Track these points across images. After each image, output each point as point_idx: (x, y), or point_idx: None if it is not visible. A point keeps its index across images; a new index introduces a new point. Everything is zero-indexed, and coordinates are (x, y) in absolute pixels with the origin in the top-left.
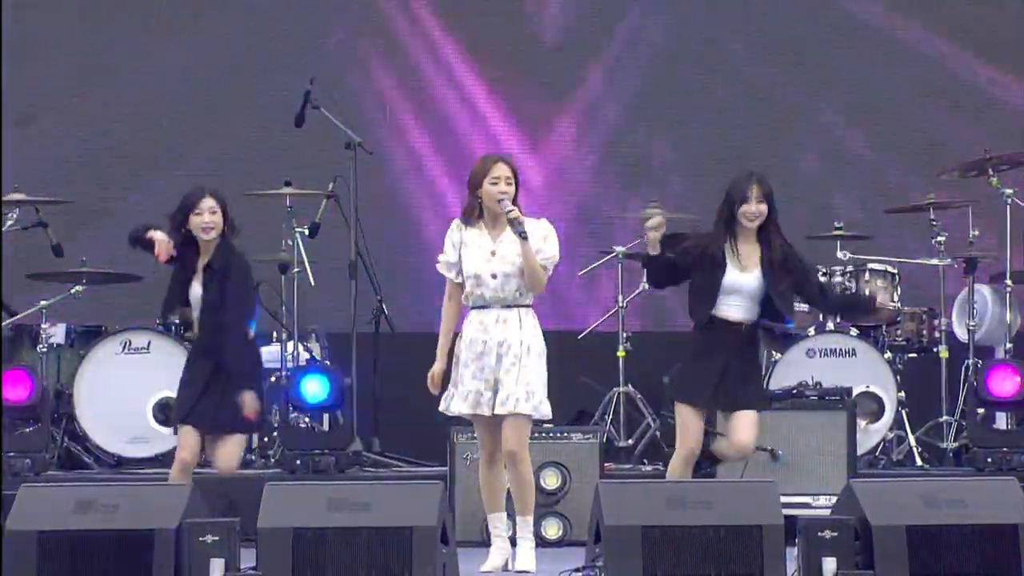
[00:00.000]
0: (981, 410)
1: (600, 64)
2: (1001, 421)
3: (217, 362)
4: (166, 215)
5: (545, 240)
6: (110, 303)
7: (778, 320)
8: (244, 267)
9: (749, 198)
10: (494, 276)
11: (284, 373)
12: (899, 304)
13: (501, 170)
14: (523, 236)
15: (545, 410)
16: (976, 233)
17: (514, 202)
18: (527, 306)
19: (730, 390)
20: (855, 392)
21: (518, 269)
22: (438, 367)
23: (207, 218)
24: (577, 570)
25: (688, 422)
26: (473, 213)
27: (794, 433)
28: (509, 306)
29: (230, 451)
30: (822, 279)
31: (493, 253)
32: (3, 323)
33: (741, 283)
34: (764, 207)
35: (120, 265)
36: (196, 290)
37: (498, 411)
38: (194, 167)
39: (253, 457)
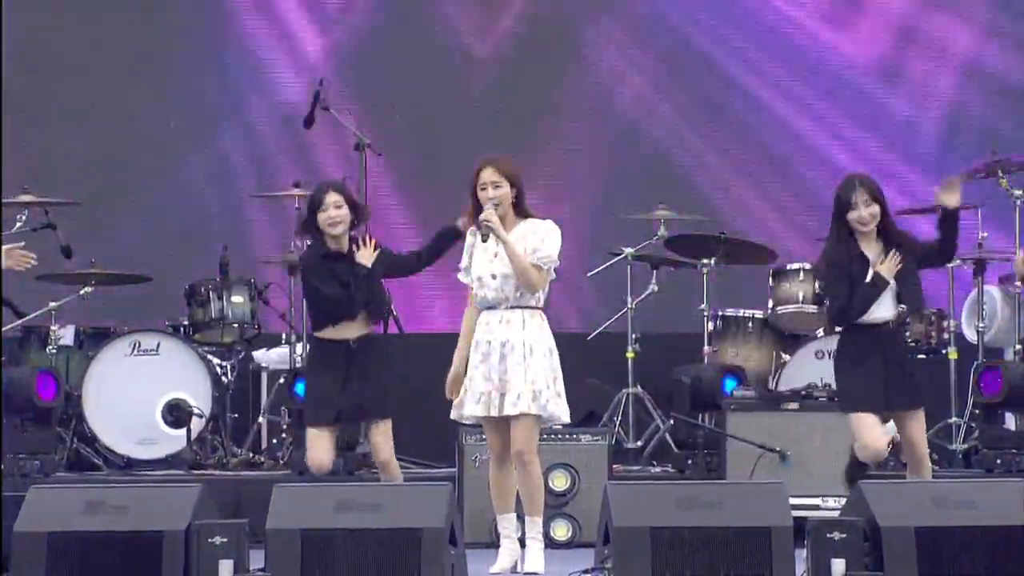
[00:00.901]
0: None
1: (612, 63)
2: (1011, 422)
3: (346, 356)
4: (300, 221)
5: (543, 241)
6: (119, 304)
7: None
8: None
9: (856, 204)
10: (494, 277)
11: (292, 373)
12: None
13: (486, 176)
14: (484, 239)
15: (553, 410)
16: (985, 235)
17: (516, 199)
18: (533, 308)
19: (899, 389)
20: None
21: None
22: (452, 371)
23: (332, 213)
24: (586, 571)
25: (867, 426)
26: (476, 220)
27: (803, 434)
28: (513, 307)
29: (382, 439)
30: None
31: (496, 255)
32: (12, 325)
33: None
34: (875, 208)
35: (129, 266)
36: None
37: (506, 412)
38: (203, 168)
39: (262, 459)
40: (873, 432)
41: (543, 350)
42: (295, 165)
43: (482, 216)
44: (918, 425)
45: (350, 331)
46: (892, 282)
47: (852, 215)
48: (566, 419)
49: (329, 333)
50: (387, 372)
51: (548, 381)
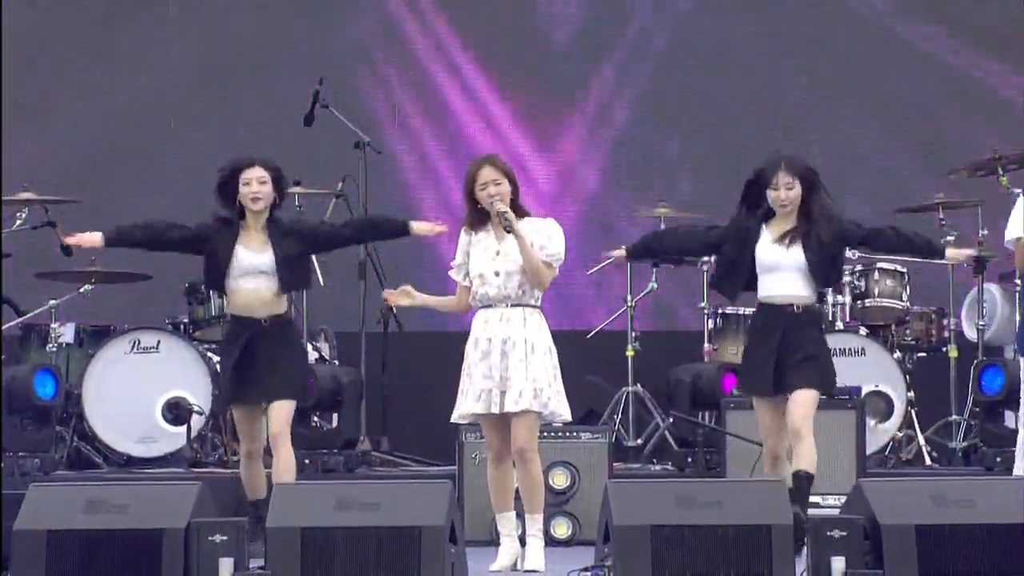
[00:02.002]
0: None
1: (611, 64)
2: (1011, 421)
3: (250, 336)
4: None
5: (550, 238)
6: (119, 302)
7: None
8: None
9: (777, 184)
10: (497, 274)
11: None
12: (908, 304)
13: (486, 175)
14: (507, 230)
15: (555, 408)
16: (985, 233)
17: (514, 197)
18: (533, 306)
19: (787, 372)
20: (864, 391)
21: (521, 267)
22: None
23: (256, 188)
24: (586, 569)
25: (762, 418)
26: (472, 220)
27: None
28: (514, 305)
29: (277, 414)
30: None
31: (498, 252)
32: (12, 323)
33: (779, 259)
34: (793, 192)
35: (129, 264)
36: (245, 257)
37: (507, 409)
38: (203, 167)
39: None
40: (765, 420)
41: (544, 348)
42: (295, 164)
43: (501, 210)
44: (799, 404)
45: (261, 309)
46: (799, 264)
47: (772, 194)
48: (567, 416)
49: (241, 310)
50: (297, 354)
51: (549, 379)
